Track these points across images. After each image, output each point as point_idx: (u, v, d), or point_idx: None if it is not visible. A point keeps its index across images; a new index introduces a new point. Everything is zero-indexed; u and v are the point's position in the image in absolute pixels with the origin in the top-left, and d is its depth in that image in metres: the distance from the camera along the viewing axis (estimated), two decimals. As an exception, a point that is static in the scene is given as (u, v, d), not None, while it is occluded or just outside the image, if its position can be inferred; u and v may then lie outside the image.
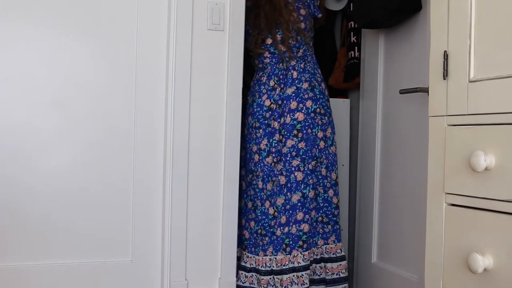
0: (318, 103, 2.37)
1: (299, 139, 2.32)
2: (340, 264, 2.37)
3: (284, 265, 2.27)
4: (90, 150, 2.18)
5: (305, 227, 2.28)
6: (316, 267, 2.33)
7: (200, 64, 2.26)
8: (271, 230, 2.31)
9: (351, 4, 2.80)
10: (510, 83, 1.19)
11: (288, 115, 2.34)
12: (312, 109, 2.35)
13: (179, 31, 2.21)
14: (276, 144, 2.35)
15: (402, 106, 2.33)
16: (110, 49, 2.20)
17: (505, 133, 1.19)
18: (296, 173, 2.30)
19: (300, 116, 2.33)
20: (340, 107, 2.75)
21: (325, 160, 2.36)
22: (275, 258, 2.29)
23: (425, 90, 2.02)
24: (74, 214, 2.16)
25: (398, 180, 2.36)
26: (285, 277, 2.26)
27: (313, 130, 2.34)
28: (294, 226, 2.28)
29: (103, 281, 2.20)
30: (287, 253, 2.27)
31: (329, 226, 2.34)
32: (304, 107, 2.34)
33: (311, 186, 2.30)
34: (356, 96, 2.87)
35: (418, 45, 2.22)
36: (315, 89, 2.38)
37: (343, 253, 2.38)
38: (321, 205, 2.34)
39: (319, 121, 2.36)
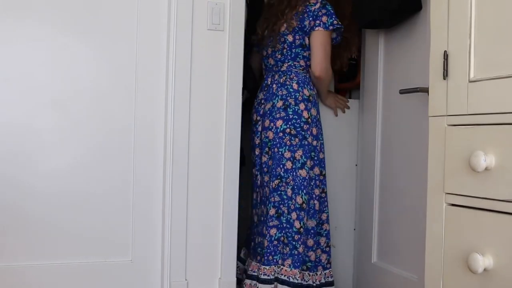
0: (290, 123, 2.34)
1: (269, 156, 2.38)
2: None
3: (254, 272, 2.34)
4: (90, 150, 2.18)
5: (264, 242, 2.31)
6: (274, 284, 2.33)
7: (200, 64, 2.26)
8: (253, 236, 2.43)
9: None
10: (510, 83, 1.19)
11: (263, 132, 2.41)
12: (281, 129, 2.34)
13: (179, 31, 2.21)
14: (256, 158, 2.46)
15: (402, 106, 2.33)
16: (110, 49, 2.20)
17: (505, 133, 1.19)
18: (266, 189, 2.38)
19: (270, 134, 2.37)
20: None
21: (291, 182, 2.32)
22: (251, 263, 2.38)
23: (425, 90, 2.02)
24: (74, 214, 2.16)
25: (398, 180, 2.36)
26: (248, 282, 2.34)
27: (280, 150, 2.34)
28: (260, 238, 2.37)
29: (103, 281, 2.20)
30: (257, 261, 2.36)
31: (287, 248, 2.31)
32: (274, 126, 2.36)
33: (272, 204, 2.32)
34: (356, 96, 2.87)
35: (418, 45, 2.22)
36: (288, 109, 2.34)
37: (301, 281, 2.30)
38: (284, 225, 2.31)
39: (287, 141, 2.33)
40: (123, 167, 2.22)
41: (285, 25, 2.40)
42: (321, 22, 2.34)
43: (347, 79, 2.90)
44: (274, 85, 2.41)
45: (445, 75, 1.36)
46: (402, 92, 2.17)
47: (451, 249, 1.33)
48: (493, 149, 1.21)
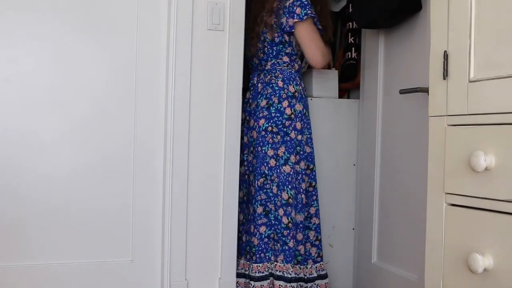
0: (272, 121, 2.36)
1: (253, 156, 2.40)
2: (291, 286, 2.31)
3: (245, 270, 2.38)
4: (90, 149, 2.18)
5: (254, 240, 2.33)
6: (269, 280, 2.35)
7: (200, 64, 2.26)
8: (239, 235, 2.45)
9: (351, 4, 2.80)
10: (510, 83, 1.19)
11: (248, 132, 2.44)
12: (264, 128, 2.36)
13: (179, 31, 2.21)
14: (244, 157, 2.47)
15: (402, 106, 2.33)
16: (110, 49, 2.20)
17: (505, 133, 1.19)
18: (251, 188, 2.40)
19: (254, 134, 2.40)
20: (347, 107, 2.73)
21: (276, 179, 2.35)
22: (240, 262, 2.41)
23: (425, 90, 2.02)
24: (74, 214, 2.16)
25: (398, 180, 2.36)
26: (241, 280, 2.36)
27: (263, 148, 2.36)
28: (248, 236, 2.39)
29: (103, 281, 2.20)
30: (246, 259, 2.39)
31: (278, 245, 2.34)
32: (257, 125, 2.38)
33: (259, 202, 2.34)
34: (356, 96, 2.87)
35: (418, 45, 2.22)
36: (271, 108, 2.36)
37: (294, 275, 2.33)
38: (273, 222, 2.34)
39: (270, 139, 2.36)
40: (123, 167, 2.22)
41: (263, 23, 2.40)
42: (295, 15, 2.35)
43: (347, 79, 2.90)
44: (259, 85, 2.44)
45: (445, 75, 1.36)
46: (402, 92, 2.17)
47: (451, 249, 1.33)
48: (493, 149, 1.21)
